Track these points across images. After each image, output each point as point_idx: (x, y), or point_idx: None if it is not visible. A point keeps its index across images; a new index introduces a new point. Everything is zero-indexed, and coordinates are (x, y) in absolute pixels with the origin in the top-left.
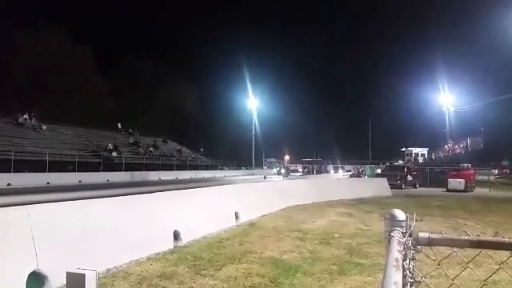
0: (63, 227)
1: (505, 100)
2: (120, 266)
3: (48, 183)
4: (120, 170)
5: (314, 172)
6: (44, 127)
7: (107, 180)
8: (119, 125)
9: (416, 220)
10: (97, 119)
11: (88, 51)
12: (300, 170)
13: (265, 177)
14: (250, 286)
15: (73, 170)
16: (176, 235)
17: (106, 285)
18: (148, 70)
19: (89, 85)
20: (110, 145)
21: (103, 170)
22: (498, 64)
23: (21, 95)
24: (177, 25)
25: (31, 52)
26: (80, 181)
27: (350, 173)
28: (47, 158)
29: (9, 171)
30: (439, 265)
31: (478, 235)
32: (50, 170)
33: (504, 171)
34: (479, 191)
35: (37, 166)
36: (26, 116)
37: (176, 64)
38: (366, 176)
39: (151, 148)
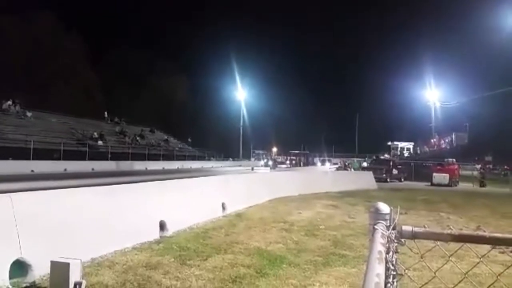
0: (47, 215)
1: (490, 97)
2: (105, 255)
3: (32, 171)
4: (106, 159)
5: (301, 165)
6: (28, 114)
7: (93, 169)
8: (105, 113)
9: (400, 214)
10: (86, 108)
11: (78, 40)
12: (287, 162)
13: (252, 169)
14: (235, 276)
15: (58, 158)
16: (162, 225)
17: (91, 274)
18: (139, 60)
19: (79, 74)
20: (95, 133)
21: (89, 159)
22: (485, 61)
23: (9, 83)
24: (168, 16)
25: (20, 40)
26: (65, 170)
27: (337, 166)
28: (32, 145)
29: None
30: (421, 258)
31: (461, 229)
32: (35, 158)
33: (487, 166)
34: (463, 185)
35: (21, 154)
36: (10, 102)
37: (166, 55)
38: (352, 169)
39: (137, 138)
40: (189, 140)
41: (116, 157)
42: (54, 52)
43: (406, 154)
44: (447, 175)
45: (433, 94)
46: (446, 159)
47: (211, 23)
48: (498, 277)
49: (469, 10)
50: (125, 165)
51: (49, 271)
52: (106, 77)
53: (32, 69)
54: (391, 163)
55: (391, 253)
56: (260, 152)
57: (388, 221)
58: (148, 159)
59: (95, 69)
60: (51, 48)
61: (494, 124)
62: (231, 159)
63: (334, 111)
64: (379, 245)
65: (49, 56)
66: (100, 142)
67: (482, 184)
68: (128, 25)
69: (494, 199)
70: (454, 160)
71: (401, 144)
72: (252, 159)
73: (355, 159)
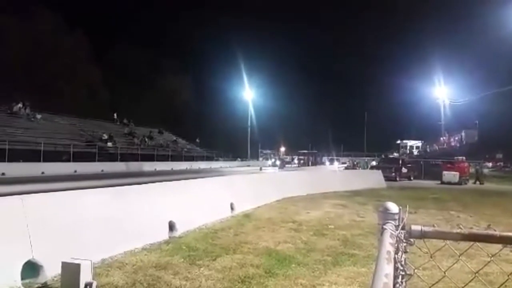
0: (58, 217)
1: (500, 94)
2: (115, 256)
3: (42, 172)
4: (115, 161)
5: (309, 164)
6: (38, 116)
7: (102, 170)
8: (115, 115)
9: (410, 213)
10: (90, 108)
11: (81, 40)
12: (296, 161)
13: (260, 169)
14: (244, 276)
15: (68, 160)
16: (171, 226)
17: (101, 275)
18: (145, 60)
19: (85, 75)
20: (105, 135)
21: (98, 160)
22: (494, 58)
23: (11, 84)
24: (175, 15)
25: (22, 40)
26: (75, 171)
27: (345, 165)
28: (42, 147)
29: (3, 161)
30: (431, 257)
31: (471, 228)
32: (45, 160)
33: (498, 164)
34: (473, 184)
35: (31, 156)
36: (20, 105)
37: (173, 55)
38: (361, 168)
39: (146, 139)
40: (197, 140)
41: (125, 158)
42: (56, 52)
43: (415, 152)
44: (457, 173)
45: (443, 92)
46: (455, 157)
47: (217, 23)
48: (510, 276)
49: (478, 7)
50: (134, 166)
51: (60, 272)
52: (111, 77)
53: (35, 69)
54: (400, 162)
55: (400, 253)
56: (268, 152)
57: (397, 221)
58: (157, 160)
59: (100, 69)
60: (53, 48)
61: (504, 121)
62: (239, 159)
63: (342, 110)
64: (388, 245)
65: (52, 56)
66: (109, 144)
67: (480, 181)
68: (133, 24)
69: (505, 197)
70: (464, 158)
71: (410, 143)
72: (260, 159)
73: (367, 158)
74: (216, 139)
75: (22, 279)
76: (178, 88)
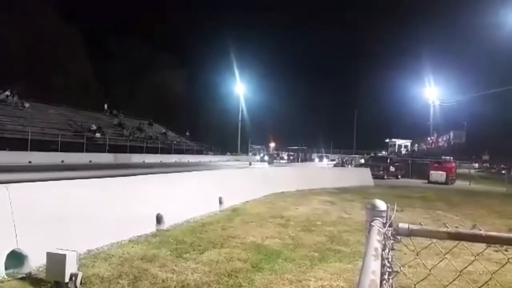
0: (44, 207)
1: (489, 95)
2: (102, 247)
3: (29, 162)
4: (104, 152)
5: (299, 160)
6: (26, 105)
7: (90, 161)
8: (105, 106)
9: (397, 211)
10: (85, 100)
11: (77, 32)
12: (285, 157)
13: (250, 164)
14: (231, 270)
15: (56, 150)
16: (159, 219)
17: (87, 266)
18: (137, 53)
19: (78, 66)
20: (93, 125)
21: (86, 151)
22: (484, 59)
23: (7, 75)
24: (168, 9)
25: (19, 31)
26: (62, 161)
27: (334, 162)
28: (29, 136)
29: None
30: (417, 255)
31: (457, 227)
32: (32, 149)
33: (484, 165)
34: (459, 184)
35: (18, 145)
36: (8, 93)
37: (165, 48)
38: (349, 166)
39: (135, 131)
40: (187, 133)
41: (114, 149)
42: (52, 44)
43: (403, 151)
44: (444, 173)
45: (433, 92)
46: (443, 157)
47: (211, 16)
48: (493, 275)
49: (469, 8)
50: (123, 157)
51: (45, 263)
52: (105, 70)
53: (30, 60)
54: (388, 161)
55: (387, 250)
56: (258, 147)
57: (385, 218)
58: (146, 152)
59: (95, 62)
60: (49, 39)
61: (492, 123)
62: (229, 153)
63: (333, 107)
64: (375, 242)
65: (47, 48)
66: (97, 134)
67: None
68: (128, 17)
69: (490, 198)
70: (451, 158)
71: (399, 142)
72: (250, 153)
73: (356, 156)
74: (207, 133)
75: (6, 269)
76: (170, 82)
